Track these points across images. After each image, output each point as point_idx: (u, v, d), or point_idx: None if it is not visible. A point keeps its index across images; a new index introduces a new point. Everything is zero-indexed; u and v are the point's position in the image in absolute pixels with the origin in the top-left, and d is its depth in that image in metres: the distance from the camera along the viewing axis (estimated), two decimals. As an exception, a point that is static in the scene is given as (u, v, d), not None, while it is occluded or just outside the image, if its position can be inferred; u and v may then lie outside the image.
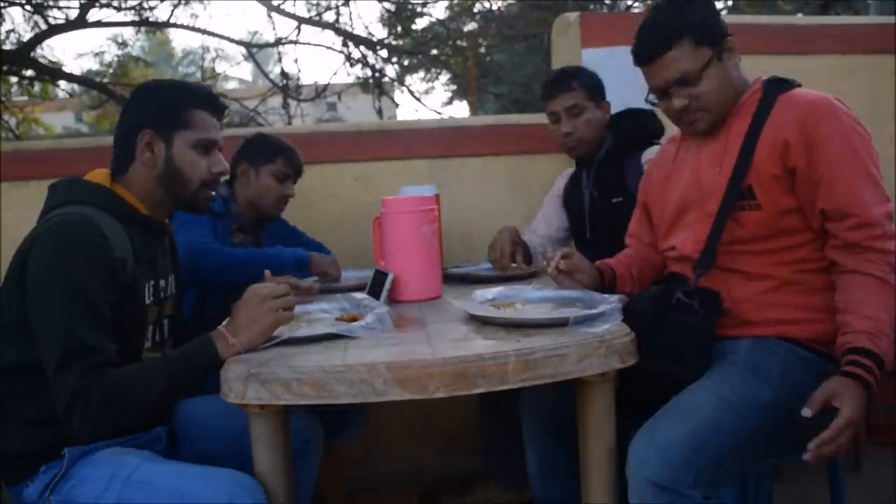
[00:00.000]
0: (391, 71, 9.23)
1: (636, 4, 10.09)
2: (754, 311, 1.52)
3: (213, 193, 1.62)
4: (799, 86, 1.58)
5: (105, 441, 1.41)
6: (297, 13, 7.37)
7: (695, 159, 1.64)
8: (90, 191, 1.49)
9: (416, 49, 9.38)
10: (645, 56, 1.57)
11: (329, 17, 7.73)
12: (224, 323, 1.40)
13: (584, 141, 2.22)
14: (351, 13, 10.66)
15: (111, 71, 9.26)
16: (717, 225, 1.52)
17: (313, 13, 7.86)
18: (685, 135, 1.70)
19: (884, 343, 1.40)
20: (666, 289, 1.53)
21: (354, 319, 1.52)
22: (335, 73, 10.41)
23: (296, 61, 20.89)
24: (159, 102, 1.53)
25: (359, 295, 1.75)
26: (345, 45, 7.65)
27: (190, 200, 1.56)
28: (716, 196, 1.54)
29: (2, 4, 6.14)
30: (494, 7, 10.22)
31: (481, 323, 1.46)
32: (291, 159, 2.27)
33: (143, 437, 1.49)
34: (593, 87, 2.24)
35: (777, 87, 1.57)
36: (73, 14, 6.41)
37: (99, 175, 1.53)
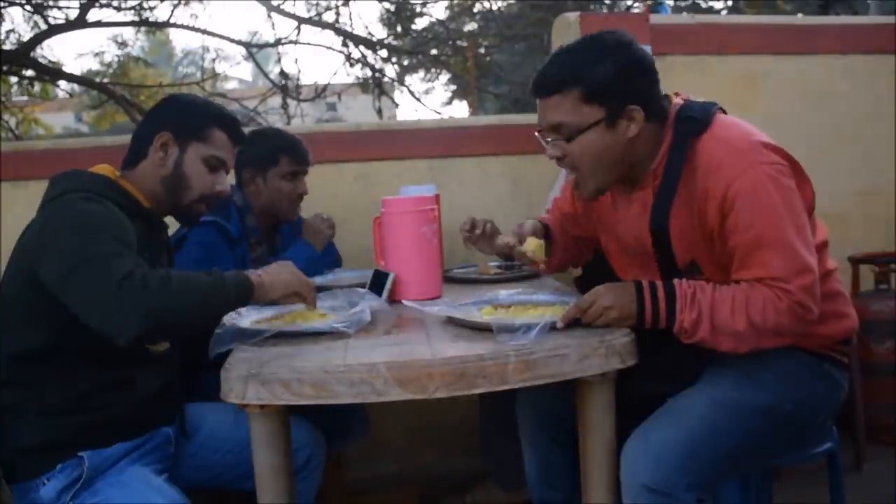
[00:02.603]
0: (391, 71, 9.24)
1: (636, 4, 10.10)
2: None
3: (232, 210, 1.61)
4: (711, 116, 1.43)
5: (120, 444, 1.42)
6: (297, 13, 7.37)
7: (625, 210, 1.56)
8: (94, 181, 1.50)
9: (416, 49, 9.38)
10: (535, 90, 1.46)
11: (329, 17, 7.73)
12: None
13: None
14: (351, 13, 10.65)
15: (111, 71, 9.25)
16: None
17: (313, 13, 7.86)
18: None
19: (694, 315, 1.34)
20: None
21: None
22: (335, 73, 10.41)
23: (296, 61, 20.93)
24: (184, 112, 1.60)
25: (361, 290, 1.75)
26: (345, 45, 7.64)
27: (185, 209, 1.60)
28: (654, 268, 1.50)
29: (2, 4, 6.13)
30: (494, 7, 10.23)
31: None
32: (296, 155, 2.19)
33: (153, 440, 1.50)
34: None
35: (683, 138, 1.43)
36: (73, 14, 6.41)
37: (103, 168, 1.55)
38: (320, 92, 7.46)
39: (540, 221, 1.80)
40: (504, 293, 1.63)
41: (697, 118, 1.44)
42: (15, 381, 1.41)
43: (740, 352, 1.37)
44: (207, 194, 1.59)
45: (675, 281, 1.38)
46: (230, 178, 1.66)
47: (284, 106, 7.44)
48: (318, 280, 2.15)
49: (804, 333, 1.42)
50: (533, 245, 1.68)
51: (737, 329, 1.34)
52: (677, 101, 1.49)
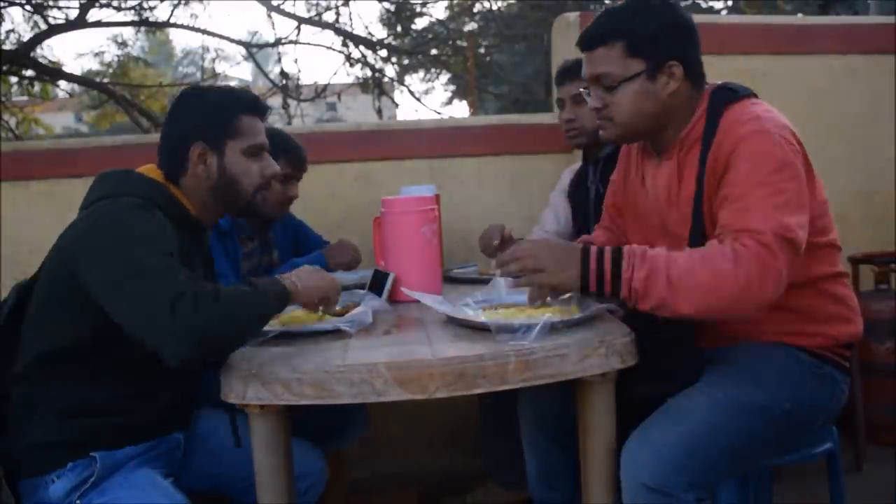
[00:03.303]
0: (391, 71, 9.24)
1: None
2: (744, 326, 1.48)
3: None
4: (746, 95, 1.49)
5: (131, 447, 1.42)
6: (297, 13, 7.37)
7: (652, 181, 1.58)
8: (145, 185, 1.48)
9: (416, 49, 9.38)
10: (581, 43, 1.52)
11: (329, 17, 7.73)
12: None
13: (584, 131, 2.22)
14: (351, 13, 10.65)
15: (111, 71, 9.25)
16: None
17: (313, 13, 7.85)
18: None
19: (643, 273, 1.31)
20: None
21: (347, 312, 1.56)
22: (335, 73, 10.41)
23: (296, 61, 20.90)
24: (208, 113, 1.53)
25: (361, 291, 1.76)
26: (345, 45, 7.64)
27: (246, 207, 1.57)
28: (683, 238, 1.48)
29: (2, 4, 6.13)
30: (494, 7, 10.23)
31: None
32: (293, 159, 2.20)
33: (165, 444, 1.50)
34: None
35: (720, 103, 1.47)
36: (73, 14, 6.41)
37: (152, 170, 1.52)
38: (320, 92, 7.46)
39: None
40: (503, 293, 1.63)
41: (735, 89, 1.49)
42: (36, 379, 1.41)
43: (701, 317, 1.34)
44: (261, 183, 1.56)
45: (625, 246, 1.37)
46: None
47: (285, 106, 7.44)
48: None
49: (799, 332, 1.42)
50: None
51: (698, 282, 1.29)
52: (716, 81, 1.53)
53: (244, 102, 1.56)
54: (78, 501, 1.37)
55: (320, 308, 1.53)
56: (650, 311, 1.34)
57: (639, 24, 1.45)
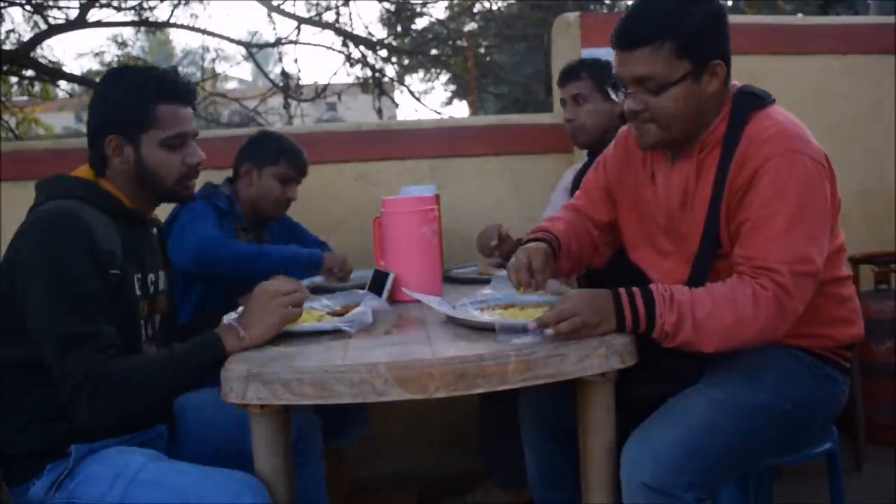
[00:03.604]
0: (391, 71, 9.23)
1: (636, 4, 10.07)
2: None
3: (221, 195, 1.58)
4: (770, 102, 1.46)
5: (110, 439, 1.42)
6: (297, 13, 7.37)
7: (665, 181, 1.53)
8: (74, 185, 1.49)
9: (416, 49, 9.37)
10: (622, 41, 1.41)
11: (329, 17, 7.72)
12: (234, 317, 1.42)
13: (584, 130, 2.22)
14: (351, 13, 10.63)
15: (111, 71, 9.24)
16: (695, 273, 1.44)
17: (313, 13, 7.85)
18: None
19: (674, 318, 1.31)
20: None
21: (347, 311, 1.55)
22: (335, 73, 10.39)
23: (296, 61, 20.86)
24: (121, 103, 1.48)
25: (361, 291, 1.76)
26: (345, 45, 7.64)
27: (170, 196, 1.57)
28: (691, 240, 1.47)
29: (2, 4, 6.13)
30: (494, 7, 10.22)
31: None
32: (296, 162, 2.24)
33: (146, 435, 1.50)
34: (604, 78, 2.23)
35: (745, 109, 1.43)
36: (73, 14, 6.40)
37: (84, 171, 1.53)
38: (320, 92, 7.46)
39: (541, 238, 1.63)
40: (502, 293, 1.63)
41: (759, 95, 1.45)
42: (11, 388, 1.41)
43: (724, 351, 1.36)
44: (184, 173, 1.53)
45: (651, 285, 1.37)
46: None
47: (286, 106, 7.44)
48: (319, 279, 2.16)
49: (802, 333, 1.42)
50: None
51: (722, 325, 1.32)
52: (735, 83, 1.50)
53: (162, 90, 1.48)
54: (56, 494, 1.37)
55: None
56: (672, 347, 1.35)
57: (686, 22, 1.36)
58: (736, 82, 1.50)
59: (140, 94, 1.47)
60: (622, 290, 1.35)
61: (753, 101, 1.45)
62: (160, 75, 1.52)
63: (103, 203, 1.47)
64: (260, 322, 1.39)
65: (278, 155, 2.22)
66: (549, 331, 1.29)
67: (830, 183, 1.41)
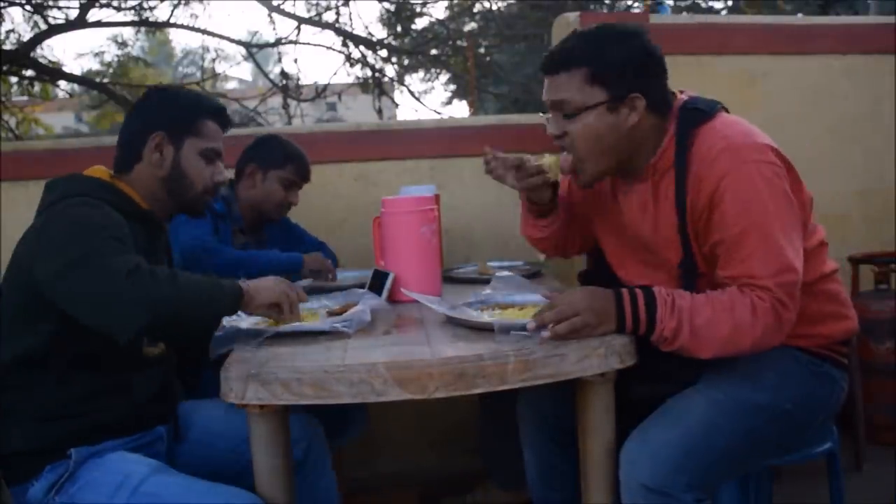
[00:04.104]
0: (391, 71, 9.23)
1: (636, 4, 10.09)
2: None
3: (217, 195, 1.62)
4: (713, 114, 1.44)
5: (111, 441, 1.42)
6: (297, 13, 7.37)
7: (625, 200, 1.54)
8: (91, 184, 1.50)
9: (416, 49, 9.37)
10: (544, 66, 1.47)
11: (329, 17, 7.73)
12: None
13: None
14: (351, 13, 10.63)
15: (111, 71, 9.25)
16: (686, 286, 1.43)
17: (313, 13, 7.85)
18: None
19: (674, 323, 1.32)
20: None
21: (346, 311, 1.55)
22: (335, 73, 10.40)
23: (295, 61, 20.87)
24: (175, 107, 1.58)
25: (361, 291, 1.76)
26: (345, 45, 7.64)
27: (191, 204, 1.61)
28: (671, 257, 1.47)
29: (2, 4, 6.13)
30: (494, 7, 10.22)
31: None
32: (301, 168, 2.26)
33: (146, 437, 1.50)
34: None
35: (689, 126, 1.43)
36: (73, 14, 6.41)
37: (98, 171, 1.55)
38: (320, 92, 7.46)
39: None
40: (502, 294, 1.63)
41: (702, 109, 1.45)
42: (11, 386, 1.41)
43: (720, 357, 1.36)
44: (209, 186, 1.60)
45: (654, 288, 1.37)
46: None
47: (286, 106, 7.44)
48: (306, 282, 2.16)
49: (796, 335, 1.42)
50: (550, 160, 1.64)
51: (720, 334, 1.33)
52: (682, 96, 1.50)
53: (212, 108, 1.62)
54: (55, 497, 1.37)
55: (272, 317, 1.51)
56: (669, 351, 1.36)
57: (605, 53, 1.40)
58: (683, 96, 1.49)
59: (194, 104, 1.60)
60: (625, 292, 1.35)
61: (697, 116, 1.44)
62: (209, 97, 1.69)
63: (120, 203, 1.49)
64: (261, 283, 1.45)
65: (285, 160, 2.25)
66: (546, 333, 1.29)
67: (790, 179, 1.41)
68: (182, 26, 7.15)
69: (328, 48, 7.79)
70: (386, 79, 8.73)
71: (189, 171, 1.56)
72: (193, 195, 1.59)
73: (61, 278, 1.31)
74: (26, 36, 6.76)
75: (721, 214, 1.37)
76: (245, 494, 1.34)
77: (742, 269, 1.35)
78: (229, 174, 1.79)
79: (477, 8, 10.18)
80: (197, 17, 14.24)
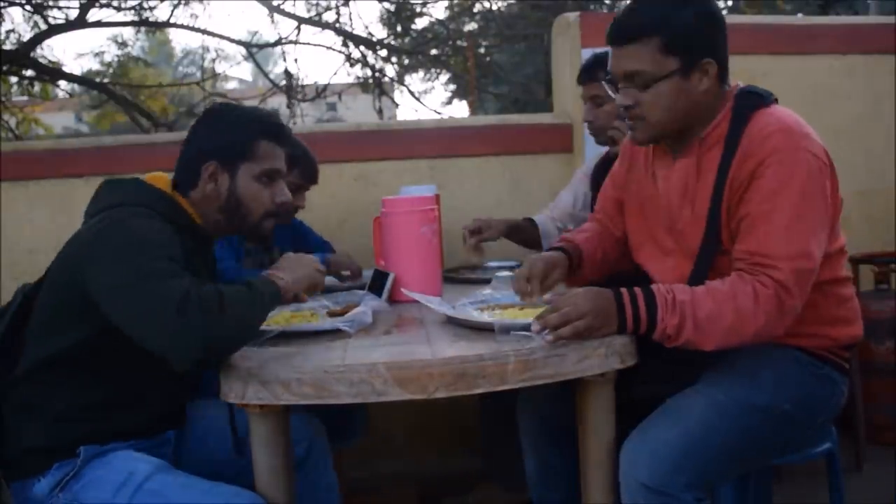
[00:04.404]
0: (391, 71, 9.24)
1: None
2: None
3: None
4: (774, 100, 1.47)
5: (119, 442, 1.42)
6: (298, 13, 7.37)
7: (665, 180, 1.54)
8: (150, 194, 1.48)
9: (416, 49, 9.38)
10: (612, 37, 1.45)
11: (329, 17, 7.73)
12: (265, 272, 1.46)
13: (603, 132, 2.21)
14: (351, 13, 10.64)
15: (111, 71, 9.26)
16: (697, 271, 1.44)
17: (313, 13, 7.85)
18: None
19: (676, 320, 1.31)
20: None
21: (346, 311, 1.55)
22: (335, 73, 10.42)
23: (296, 61, 20.91)
24: (227, 132, 1.52)
25: (361, 292, 1.76)
26: (345, 45, 7.65)
27: (251, 231, 1.57)
28: (692, 238, 1.47)
29: (2, 4, 6.13)
30: (494, 7, 10.23)
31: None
32: (307, 171, 2.23)
33: (154, 440, 1.50)
34: None
35: (746, 107, 1.45)
36: (73, 14, 6.41)
37: (159, 179, 1.52)
38: (321, 92, 7.47)
39: (557, 247, 1.65)
40: (502, 293, 1.63)
41: (761, 94, 1.47)
42: (34, 383, 1.41)
43: (724, 348, 1.36)
44: (271, 210, 1.54)
45: (654, 286, 1.37)
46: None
47: (290, 106, 7.44)
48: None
49: (802, 333, 1.42)
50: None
51: (723, 324, 1.32)
52: (738, 83, 1.51)
53: (266, 126, 1.54)
54: (59, 494, 1.37)
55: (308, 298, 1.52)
56: (674, 346, 1.35)
57: (674, 20, 1.39)
58: (738, 82, 1.51)
59: (245, 127, 1.53)
60: (624, 292, 1.35)
61: (756, 100, 1.46)
62: (265, 114, 1.61)
63: (175, 216, 1.47)
64: (292, 270, 1.46)
65: (292, 165, 2.23)
66: (549, 336, 1.29)
67: (832, 181, 1.42)
68: (182, 26, 7.16)
69: (328, 48, 7.81)
70: (386, 79, 8.74)
71: (245, 198, 1.51)
72: (251, 223, 1.54)
73: (116, 295, 1.28)
74: (26, 36, 6.77)
75: (757, 188, 1.37)
76: (245, 494, 1.34)
77: (759, 245, 1.34)
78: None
79: (477, 8, 10.20)
80: (197, 17, 14.26)
